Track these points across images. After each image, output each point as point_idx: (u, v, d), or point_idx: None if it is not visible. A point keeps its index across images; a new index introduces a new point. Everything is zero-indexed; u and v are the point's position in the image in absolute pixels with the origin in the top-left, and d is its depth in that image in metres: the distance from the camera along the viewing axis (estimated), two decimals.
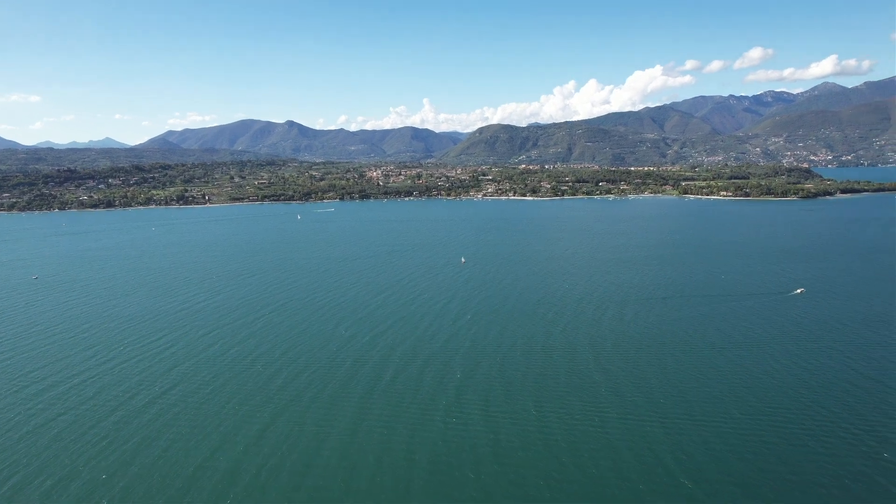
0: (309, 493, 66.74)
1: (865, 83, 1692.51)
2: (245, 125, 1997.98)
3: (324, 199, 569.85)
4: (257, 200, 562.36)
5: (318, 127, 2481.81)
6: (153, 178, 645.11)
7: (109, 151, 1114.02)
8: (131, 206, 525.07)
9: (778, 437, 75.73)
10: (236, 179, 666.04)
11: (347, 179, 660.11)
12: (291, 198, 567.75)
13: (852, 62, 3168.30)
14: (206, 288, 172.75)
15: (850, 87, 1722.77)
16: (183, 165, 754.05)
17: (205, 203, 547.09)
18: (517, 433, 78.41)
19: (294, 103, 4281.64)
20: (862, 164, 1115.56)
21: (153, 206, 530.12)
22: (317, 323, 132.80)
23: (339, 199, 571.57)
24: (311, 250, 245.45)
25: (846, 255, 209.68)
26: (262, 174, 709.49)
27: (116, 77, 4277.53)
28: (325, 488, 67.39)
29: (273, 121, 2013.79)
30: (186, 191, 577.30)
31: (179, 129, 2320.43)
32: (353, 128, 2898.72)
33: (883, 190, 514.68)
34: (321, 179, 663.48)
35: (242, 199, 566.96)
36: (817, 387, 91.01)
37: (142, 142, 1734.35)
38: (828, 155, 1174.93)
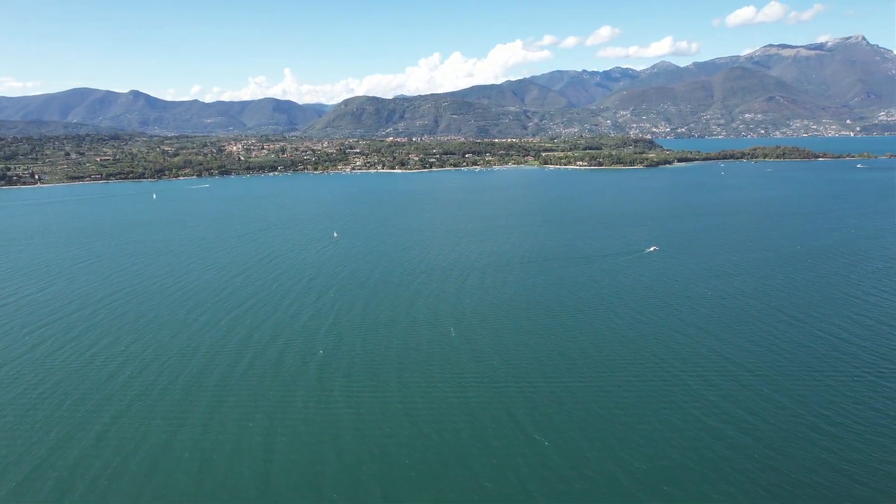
0: (157, 491, 62.45)
1: (694, 63, 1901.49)
2: (80, 94, 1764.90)
3: (179, 175, 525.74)
4: (101, 179, 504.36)
5: (168, 98, 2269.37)
6: None
7: None
8: None
9: (617, 386, 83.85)
10: (73, 156, 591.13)
11: (205, 155, 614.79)
12: (142, 175, 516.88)
13: (684, 44, 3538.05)
14: (34, 280, 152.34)
15: (682, 66, 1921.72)
16: (2, 139, 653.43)
17: (35, 183, 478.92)
18: (379, 406, 79.19)
19: (139, 71, 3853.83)
20: (693, 135, 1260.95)
21: None
22: (167, 311, 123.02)
23: (197, 175, 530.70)
24: (165, 233, 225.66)
25: (690, 215, 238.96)
26: (105, 150, 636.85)
27: None
28: (174, 485, 63.39)
29: (114, 90, 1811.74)
30: (9, 169, 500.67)
31: None
32: (208, 99, 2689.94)
33: (710, 159, 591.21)
34: (175, 155, 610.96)
35: (83, 177, 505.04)
36: (652, 338, 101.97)
37: None
38: (666, 127, 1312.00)
